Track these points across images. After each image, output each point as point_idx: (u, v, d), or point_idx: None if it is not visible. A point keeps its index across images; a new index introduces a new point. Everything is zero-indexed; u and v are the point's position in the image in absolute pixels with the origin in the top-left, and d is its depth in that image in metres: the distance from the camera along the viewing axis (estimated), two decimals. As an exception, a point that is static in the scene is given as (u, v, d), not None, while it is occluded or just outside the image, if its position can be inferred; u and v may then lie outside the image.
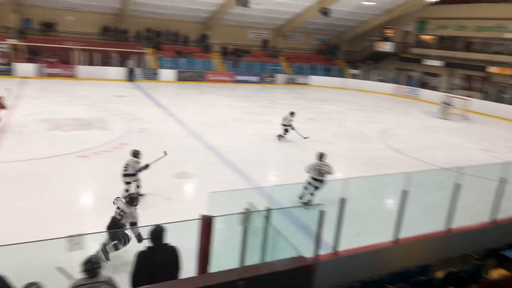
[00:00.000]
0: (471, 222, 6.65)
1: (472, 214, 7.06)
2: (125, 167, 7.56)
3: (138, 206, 5.57)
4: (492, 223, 6.46)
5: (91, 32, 25.07)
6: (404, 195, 5.52)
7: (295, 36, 31.92)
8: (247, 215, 3.47)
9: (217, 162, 10.46)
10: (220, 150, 11.40)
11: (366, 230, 6.93)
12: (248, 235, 4.04)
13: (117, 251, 5.48)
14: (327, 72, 30.01)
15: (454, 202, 6.08)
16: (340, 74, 30.45)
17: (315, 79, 28.97)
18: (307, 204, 7.25)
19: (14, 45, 22.73)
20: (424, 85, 27.28)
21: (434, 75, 27.29)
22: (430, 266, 5.14)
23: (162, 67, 25.31)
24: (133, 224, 5.41)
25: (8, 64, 21.94)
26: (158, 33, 26.89)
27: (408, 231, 6.08)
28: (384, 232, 5.96)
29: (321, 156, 8.13)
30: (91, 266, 3.39)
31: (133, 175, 7.56)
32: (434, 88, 26.27)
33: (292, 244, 3.35)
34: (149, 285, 2.88)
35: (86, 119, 13.84)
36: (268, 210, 4.18)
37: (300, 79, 28.99)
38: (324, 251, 5.75)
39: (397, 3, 26.66)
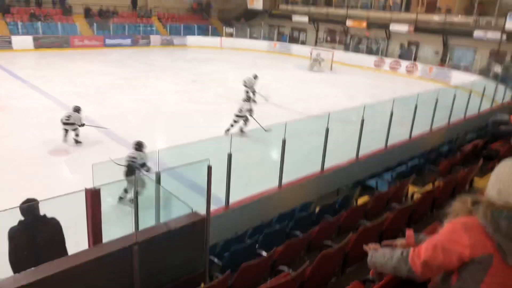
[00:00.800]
0: (341, 161, 7.64)
1: (341, 153, 8.09)
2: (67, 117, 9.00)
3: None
4: (356, 159, 7.52)
5: None
6: (283, 144, 6.04)
7: (165, -6, 30.43)
8: (130, 181, 3.44)
9: (97, 134, 9.82)
10: (98, 121, 10.67)
11: (253, 181, 7.43)
12: (140, 200, 4.03)
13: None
14: (203, 32, 29.65)
15: (326, 145, 6.88)
16: (216, 33, 30.36)
17: (192, 40, 28.42)
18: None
19: None
20: (294, 40, 28.99)
21: (302, 30, 29.10)
22: (311, 203, 5.83)
23: (14, 34, 21.89)
24: (143, 165, 6.50)
25: None
26: (2, -7, 22.92)
27: (291, 176, 6.74)
28: (270, 180, 6.50)
29: None
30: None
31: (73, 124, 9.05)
32: (303, 43, 28.13)
33: (184, 202, 3.47)
34: (36, 267, 2.67)
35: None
36: (158, 173, 4.20)
37: (177, 40, 28.11)
38: (217, 205, 6.07)
39: (264, -41, 27.17)
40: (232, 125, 10.58)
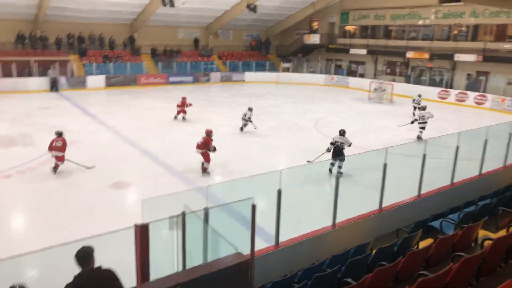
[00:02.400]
0: (402, 198, 7.14)
1: (402, 191, 7.58)
2: None
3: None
4: (418, 197, 6.98)
5: (5, 41, 23.09)
6: (337, 180, 5.77)
7: (225, 33, 31.93)
8: (178, 219, 3.41)
9: (155, 168, 10.19)
10: (158, 155, 11.12)
11: (306, 218, 7.15)
12: (186, 237, 3.98)
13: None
14: (261, 67, 30.44)
15: (384, 181, 6.48)
16: (273, 68, 31.00)
17: (249, 75, 29.23)
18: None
19: None
20: (352, 73, 28.68)
21: (360, 63, 28.77)
22: (367, 245, 5.43)
23: (89, 74, 24.04)
24: (350, 145, 10.08)
25: None
26: (81, 39, 25.45)
27: (347, 213, 6.39)
28: (323, 217, 6.21)
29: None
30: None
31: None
32: (361, 76, 27.70)
33: (230, 242, 3.36)
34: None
35: (7, 135, 12.78)
36: (206, 210, 4.15)
37: (235, 76, 29.09)
38: (268, 243, 5.88)
39: (320, -5, 27.68)
40: None
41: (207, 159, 10.02)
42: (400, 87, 23.16)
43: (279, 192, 5.11)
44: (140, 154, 11.26)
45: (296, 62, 30.66)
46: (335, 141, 10.29)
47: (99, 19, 25.40)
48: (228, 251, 4.11)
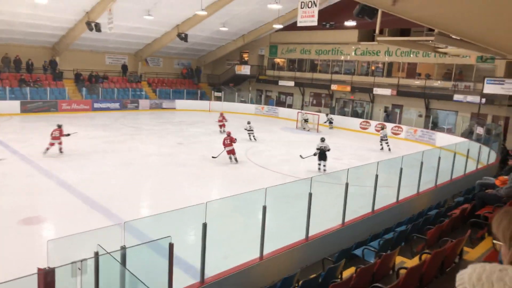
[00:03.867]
0: (327, 227, 7.31)
1: (327, 219, 7.78)
2: None
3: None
4: (342, 225, 7.20)
5: None
6: (264, 210, 5.75)
7: (155, 60, 31.51)
8: (85, 262, 3.10)
9: (73, 201, 9.41)
10: (77, 187, 10.31)
11: (234, 251, 7.00)
12: (101, 280, 3.64)
13: None
14: (192, 96, 30.34)
15: (310, 211, 6.60)
16: (205, 97, 31.06)
17: (180, 103, 28.93)
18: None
19: None
20: (281, 103, 29.72)
21: (289, 94, 29.96)
22: (294, 277, 5.41)
23: (2, 98, 22.02)
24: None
25: None
26: (-7, 60, 23.40)
27: (275, 244, 6.36)
28: (252, 249, 6.10)
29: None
30: None
31: None
32: (289, 106, 28.80)
33: (145, 285, 3.11)
34: None
35: None
36: (123, 250, 3.84)
37: (166, 103, 28.59)
38: (195, 279, 5.61)
39: (249, 29, 28.63)
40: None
41: (234, 152, 13.85)
42: (325, 118, 24.44)
43: (205, 226, 4.93)
44: (56, 186, 10.37)
45: (228, 91, 31.08)
46: (320, 147, 13.35)
47: (16, 40, 23.68)
48: (147, 293, 3.83)
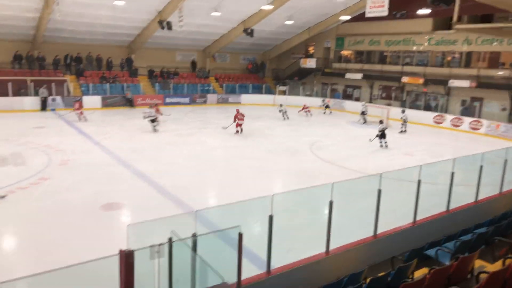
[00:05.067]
0: (397, 225, 7.01)
1: (397, 217, 7.45)
2: None
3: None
4: (414, 223, 6.86)
5: (2, 61, 23.18)
6: (331, 205, 5.66)
7: (223, 56, 32.30)
8: (163, 246, 3.28)
9: (148, 190, 10.03)
10: (151, 176, 10.97)
11: (299, 244, 7.00)
12: (173, 265, 3.84)
13: None
14: (257, 90, 30.68)
15: (379, 208, 6.37)
16: (270, 91, 31.24)
17: (246, 98, 29.41)
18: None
19: None
20: (348, 97, 28.93)
21: (356, 87, 29.05)
22: (361, 273, 5.28)
23: (85, 94, 24.07)
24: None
25: None
26: (78, 59, 25.62)
27: (341, 240, 6.24)
28: (316, 244, 6.06)
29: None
30: None
31: None
32: (357, 99, 27.93)
33: (216, 271, 3.23)
34: None
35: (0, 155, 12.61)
36: (194, 237, 4.02)
37: (232, 98, 29.24)
38: (261, 270, 5.71)
39: (315, 21, 28.16)
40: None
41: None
42: (397, 112, 23.31)
43: (271, 218, 4.98)
44: (133, 175, 11.12)
45: (292, 85, 30.95)
46: (382, 129, 15.90)
47: (97, 40, 25.65)
48: (216, 279, 3.97)
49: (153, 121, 17.19)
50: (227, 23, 26.09)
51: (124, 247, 3.91)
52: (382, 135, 15.92)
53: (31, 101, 22.21)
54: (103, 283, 4.82)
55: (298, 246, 6.90)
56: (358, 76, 27.35)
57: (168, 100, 26.55)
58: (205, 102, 28.14)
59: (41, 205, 8.73)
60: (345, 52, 30.18)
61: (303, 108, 24.74)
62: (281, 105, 22.95)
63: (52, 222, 7.90)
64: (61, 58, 24.80)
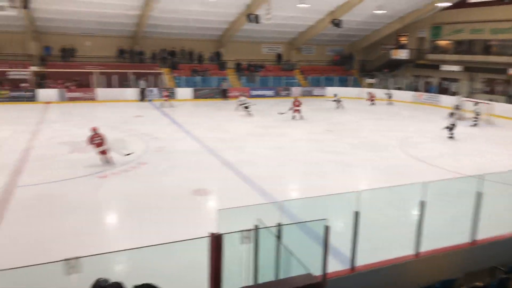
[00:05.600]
0: (499, 232, 6.35)
1: (499, 224, 6.75)
2: None
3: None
4: (520, 232, 6.14)
5: (108, 56, 25.79)
6: (423, 206, 5.33)
7: (308, 48, 32.00)
8: (250, 233, 3.38)
9: (233, 178, 10.43)
10: (236, 166, 11.37)
11: (385, 244, 6.71)
12: (259, 252, 3.95)
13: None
14: (343, 83, 29.88)
15: (478, 212, 5.82)
16: (357, 84, 30.22)
17: (331, 90, 28.83)
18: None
19: (37, 71, 23.59)
20: (443, 91, 26.76)
21: (453, 80, 26.74)
22: (455, 281, 4.90)
23: (178, 86, 25.72)
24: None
25: (32, 90, 22.73)
26: (173, 53, 27.42)
27: (431, 244, 5.85)
28: (404, 245, 5.75)
29: None
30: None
31: None
32: (454, 94, 25.72)
33: (301, 262, 3.25)
34: None
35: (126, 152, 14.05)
36: (279, 226, 4.08)
37: (316, 91, 28.92)
38: (344, 266, 5.61)
39: (409, 10, 26.43)
40: None
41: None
42: (502, 108, 20.97)
43: (357, 214, 4.85)
44: (220, 163, 11.63)
45: (381, 77, 29.54)
46: (452, 122, 15.64)
47: (189, 35, 27.17)
48: (299, 270, 3.99)
49: (246, 107, 20.25)
50: (314, 14, 25.76)
51: (212, 230, 4.13)
52: (451, 127, 15.70)
53: (132, 92, 24.38)
54: (193, 262, 5.15)
55: (384, 246, 6.63)
56: (456, 68, 25.13)
57: (253, 92, 27.17)
58: (289, 94, 28.22)
59: (140, 187, 9.58)
60: (441, 42, 27.90)
61: (370, 99, 25.22)
62: (335, 95, 23.75)
63: (148, 202, 8.62)
64: (158, 52, 26.76)
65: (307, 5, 22.78)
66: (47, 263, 2.74)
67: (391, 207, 8.69)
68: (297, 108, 19.50)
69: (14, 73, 23.13)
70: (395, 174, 11.15)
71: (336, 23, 24.81)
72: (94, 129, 11.37)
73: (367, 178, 11.38)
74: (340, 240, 6.38)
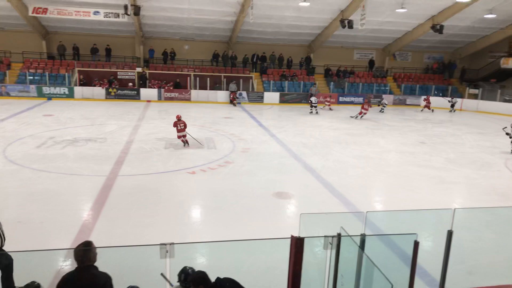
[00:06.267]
0: None
1: None
2: None
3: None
4: None
5: (204, 59, 27.36)
6: (531, 232, 4.71)
7: (404, 54, 30.41)
8: (333, 239, 3.30)
9: (315, 184, 10.31)
10: (319, 172, 11.23)
11: (481, 269, 6.07)
12: (340, 260, 3.85)
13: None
14: (441, 92, 27.79)
15: None
16: (456, 94, 27.88)
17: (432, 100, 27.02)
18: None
19: (140, 72, 26.00)
20: None
21: None
22: None
23: (266, 90, 26.27)
24: None
25: (136, 89, 25.10)
26: (263, 58, 28.08)
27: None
28: (503, 273, 5.15)
29: None
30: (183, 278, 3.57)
31: None
32: None
33: (385, 276, 3.08)
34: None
35: (196, 138, 14.92)
36: (363, 236, 3.93)
37: (410, 100, 27.32)
38: (430, 287, 5.21)
39: (527, 13, 23.63)
40: None
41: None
42: None
43: (450, 234, 4.46)
44: (302, 168, 11.58)
45: (487, 88, 26.85)
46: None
47: (281, 40, 27.60)
48: (381, 284, 3.80)
49: (315, 107, 22.35)
50: (413, 19, 24.39)
51: (291, 234, 4.13)
52: None
53: (223, 94, 25.54)
54: (272, 262, 5.21)
55: (479, 271, 6.01)
56: None
57: (341, 99, 26.62)
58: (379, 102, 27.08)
59: (224, 184, 9.98)
60: None
61: (425, 106, 24.76)
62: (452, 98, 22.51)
63: (232, 200, 8.93)
64: (249, 57, 27.66)
65: (406, 10, 21.67)
66: (146, 245, 3.00)
67: (490, 230, 7.84)
68: (365, 111, 20.94)
69: (122, 74, 25.77)
70: (498, 194, 10.03)
71: (437, 29, 23.15)
72: (178, 117, 13.58)
73: (463, 196, 10.42)
74: (428, 261, 5.94)
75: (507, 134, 14.54)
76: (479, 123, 21.33)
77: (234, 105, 24.63)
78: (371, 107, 21.93)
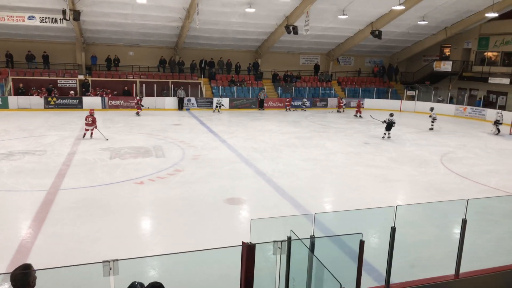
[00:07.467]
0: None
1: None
2: None
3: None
4: None
5: (150, 65, 26.73)
6: (464, 224, 5.07)
7: (347, 59, 31.70)
8: (283, 244, 3.35)
9: (267, 188, 10.41)
10: (270, 176, 11.36)
11: (423, 262, 6.44)
12: (291, 264, 3.90)
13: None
14: (382, 95, 29.28)
15: (526, 233, 5.48)
16: (396, 96, 29.51)
17: (369, 102, 28.33)
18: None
19: (82, 80, 24.84)
20: (490, 104, 25.56)
21: (501, 93, 25.49)
22: (499, 305, 4.60)
23: (215, 96, 26.18)
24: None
25: (77, 98, 23.93)
26: (211, 64, 27.99)
27: (473, 265, 5.55)
28: (443, 264, 5.49)
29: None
30: None
31: None
32: (501, 108, 24.48)
33: (334, 276, 3.17)
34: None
35: (144, 147, 14.52)
36: (312, 239, 4.01)
37: (354, 102, 28.46)
38: (378, 283, 5.43)
39: (454, 20, 25.59)
40: None
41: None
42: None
43: (393, 230, 4.69)
44: (254, 173, 11.66)
45: (422, 90, 28.69)
46: (388, 119, 17.20)
47: (228, 46, 27.67)
48: (331, 284, 3.90)
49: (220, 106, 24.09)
50: (354, 25, 25.52)
51: (244, 239, 4.13)
52: (388, 127, 17.18)
53: (171, 101, 25.07)
54: (225, 270, 5.17)
55: (422, 264, 6.37)
56: (506, 81, 23.98)
57: (292, 103, 27.15)
58: (325, 106, 27.99)
59: (174, 193, 9.78)
60: (489, 54, 26.77)
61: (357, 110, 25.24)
62: (431, 109, 20.99)
63: (183, 209, 8.77)
64: (197, 63, 27.42)
65: (347, 16, 22.62)
66: (87, 264, 2.85)
67: (430, 224, 8.34)
68: (341, 104, 25.42)
69: (63, 82, 24.47)
70: (436, 190, 10.72)
71: (376, 34, 24.41)
72: (91, 112, 15.53)
73: (405, 193, 11.02)
74: (375, 256, 6.19)
75: (383, 122, 17.23)
76: (417, 123, 22.70)
77: (138, 114, 22.52)
78: (343, 103, 26.38)
